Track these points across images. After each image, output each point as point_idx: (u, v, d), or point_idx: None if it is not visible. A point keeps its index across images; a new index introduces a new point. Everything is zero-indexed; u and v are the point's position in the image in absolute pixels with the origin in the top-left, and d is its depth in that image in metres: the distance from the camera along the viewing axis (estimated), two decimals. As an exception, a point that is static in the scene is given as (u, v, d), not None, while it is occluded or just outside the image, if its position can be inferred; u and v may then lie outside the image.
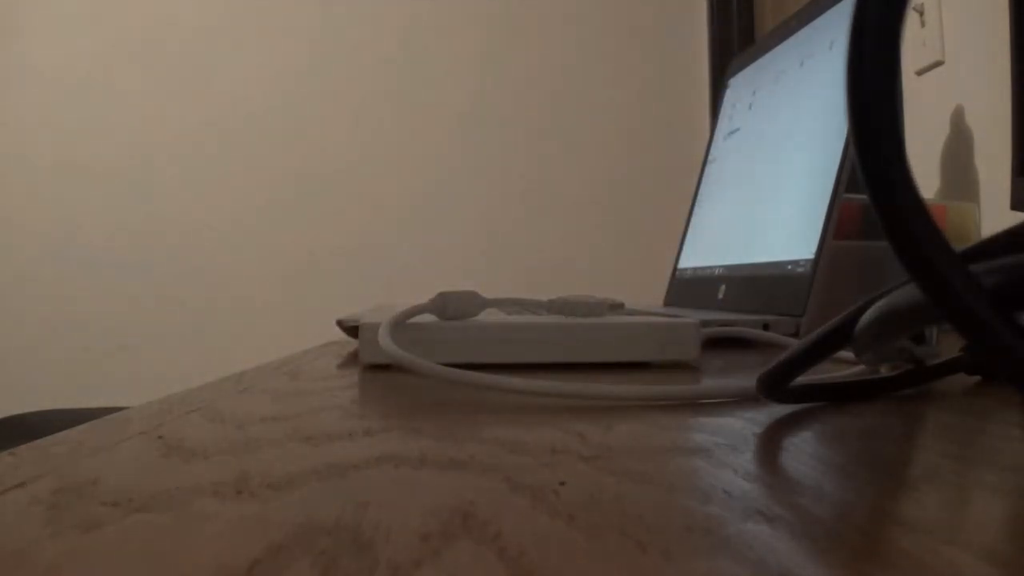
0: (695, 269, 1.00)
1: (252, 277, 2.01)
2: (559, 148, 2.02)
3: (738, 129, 0.98)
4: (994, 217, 0.92)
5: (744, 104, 0.98)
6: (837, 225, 0.69)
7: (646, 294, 1.53)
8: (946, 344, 0.35)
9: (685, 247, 1.07)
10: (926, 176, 1.09)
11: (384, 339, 0.38)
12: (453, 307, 0.43)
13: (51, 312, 1.98)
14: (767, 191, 0.84)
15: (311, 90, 2.01)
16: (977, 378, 0.34)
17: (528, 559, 0.13)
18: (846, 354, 0.24)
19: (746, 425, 0.25)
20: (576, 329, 0.44)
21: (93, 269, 1.99)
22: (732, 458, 0.21)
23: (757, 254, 0.81)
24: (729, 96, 1.05)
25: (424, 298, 0.44)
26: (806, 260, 0.70)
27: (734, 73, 1.05)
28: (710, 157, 1.06)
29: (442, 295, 0.43)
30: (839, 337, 0.24)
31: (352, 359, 0.51)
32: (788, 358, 0.26)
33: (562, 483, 0.18)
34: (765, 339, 0.55)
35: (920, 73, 1.12)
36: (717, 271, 0.91)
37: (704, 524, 0.15)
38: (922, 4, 1.10)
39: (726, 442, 0.23)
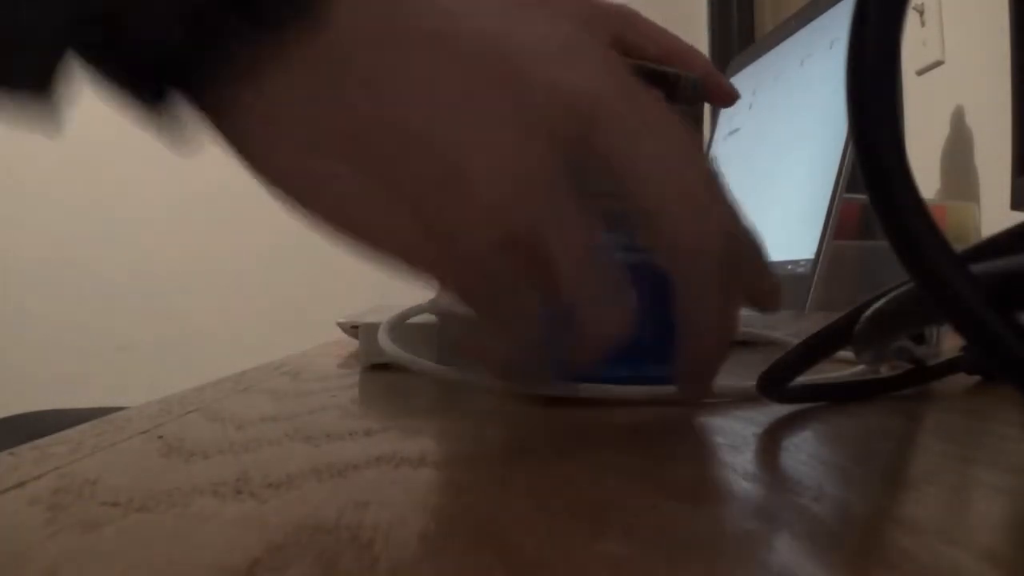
0: (695, 269, 0.99)
1: (252, 277, 2.01)
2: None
3: (738, 129, 0.98)
4: (994, 217, 0.92)
5: (744, 104, 0.98)
6: (837, 225, 0.69)
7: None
8: (946, 344, 0.35)
9: (685, 247, 1.07)
10: (926, 176, 1.08)
11: (384, 339, 0.38)
12: (453, 307, 0.43)
13: (51, 312, 1.98)
14: (767, 191, 0.84)
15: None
16: (977, 378, 0.34)
17: (527, 559, 0.13)
18: (846, 354, 0.24)
19: (746, 425, 0.25)
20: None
21: (93, 268, 1.99)
22: (732, 458, 0.21)
23: (757, 254, 0.80)
24: (729, 96, 1.04)
25: (424, 298, 0.43)
26: (806, 260, 0.70)
27: (734, 73, 1.05)
28: (710, 157, 1.06)
29: (442, 295, 0.43)
30: (839, 337, 0.24)
31: (352, 359, 0.51)
32: (788, 358, 0.26)
33: (562, 483, 0.18)
34: (765, 339, 0.55)
35: (920, 73, 1.12)
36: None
37: (704, 524, 0.15)
38: (922, 4, 1.10)
39: (726, 442, 0.23)
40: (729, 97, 0.37)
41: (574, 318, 0.24)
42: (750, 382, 0.29)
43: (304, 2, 0.21)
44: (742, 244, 0.26)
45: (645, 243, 0.25)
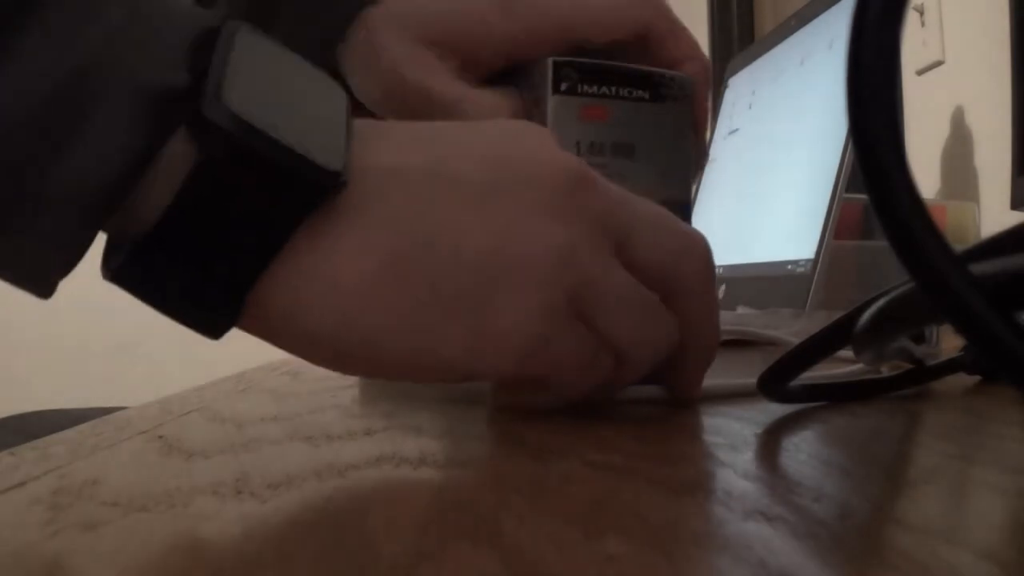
0: (695, 269, 0.99)
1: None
2: (559, 148, 2.01)
3: (738, 129, 0.98)
4: (994, 217, 0.92)
5: (744, 104, 0.98)
6: (837, 225, 0.69)
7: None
8: (946, 344, 0.35)
9: (685, 247, 1.07)
10: (926, 176, 1.08)
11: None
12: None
13: (51, 312, 1.98)
14: (767, 191, 0.84)
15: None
16: (977, 378, 0.34)
17: (527, 559, 0.13)
18: (846, 354, 0.24)
19: (746, 425, 0.25)
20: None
21: (93, 267, 1.99)
22: (732, 458, 0.21)
23: (757, 254, 0.81)
24: (729, 96, 1.05)
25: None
26: (806, 260, 0.70)
27: (734, 72, 1.05)
28: (710, 157, 1.06)
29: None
30: (839, 337, 0.23)
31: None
32: (788, 358, 0.26)
33: (561, 482, 0.18)
34: (765, 339, 0.55)
35: (920, 73, 1.12)
36: (717, 271, 0.91)
37: (704, 524, 0.15)
38: (922, 4, 1.10)
39: (726, 442, 0.23)
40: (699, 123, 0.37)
41: (622, 354, 0.26)
42: (750, 381, 0.29)
43: (336, 170, 0.22)
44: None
45: (651, 273, 0.26)
